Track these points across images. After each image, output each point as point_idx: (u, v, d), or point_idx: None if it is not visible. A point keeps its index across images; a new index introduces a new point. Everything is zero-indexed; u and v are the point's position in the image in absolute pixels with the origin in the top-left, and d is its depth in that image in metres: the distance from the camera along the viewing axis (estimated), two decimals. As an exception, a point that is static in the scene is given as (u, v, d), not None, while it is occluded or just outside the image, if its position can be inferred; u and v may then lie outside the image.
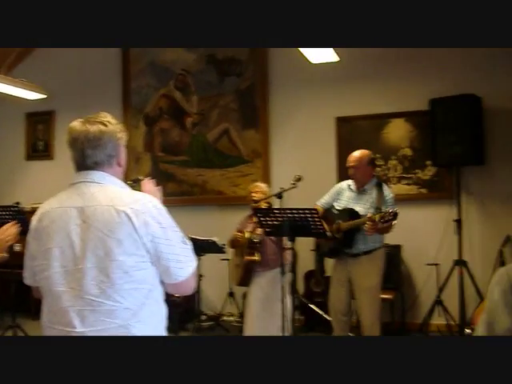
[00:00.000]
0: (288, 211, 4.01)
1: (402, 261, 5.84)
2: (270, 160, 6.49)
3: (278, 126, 6.46)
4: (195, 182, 6.80)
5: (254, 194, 4.72)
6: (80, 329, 1.81)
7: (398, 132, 5.99)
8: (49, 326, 1.90)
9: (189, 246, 1.97)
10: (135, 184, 2.29)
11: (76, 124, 1.95)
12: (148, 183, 2.26)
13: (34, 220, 1.97)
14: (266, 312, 4.52)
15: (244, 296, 4.81)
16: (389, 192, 4.37)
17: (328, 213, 4.50)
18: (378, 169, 5.71)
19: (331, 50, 4.79)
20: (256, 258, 4.54)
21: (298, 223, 4.08)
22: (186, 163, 6.85)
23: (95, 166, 1.94)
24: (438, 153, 5.48)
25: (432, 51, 5.60)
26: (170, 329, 1.99)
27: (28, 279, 2.03)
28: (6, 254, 3.18)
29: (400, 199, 4.85)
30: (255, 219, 4.46)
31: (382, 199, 4.26)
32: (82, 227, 1.85)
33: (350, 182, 4.52)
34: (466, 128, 5.30)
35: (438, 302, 5.43)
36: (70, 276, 1.84)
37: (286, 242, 4.27)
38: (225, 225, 5.21)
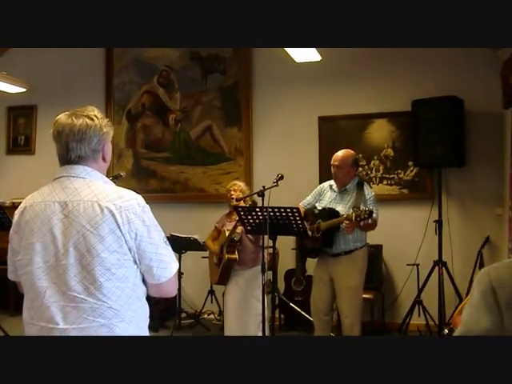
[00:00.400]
0: (270, 209, 4.02)
1: (383, 261, 5.87)
2: (253, 158, 6.48)
3: (261, 124, 6.45)
4: (177, 179, 6.76)
5: (232, 193, 4.71)
6: (63, 325, 1.79)
7: (380, 132, 6.02)
8: (30, 322, 1.87)
9: (169, 246, 1.95)
10: (116, 180, 2.28)
11: (62, 117, 1.92)
12: None
13: (17, 214, 1.94)
14: (243, 310, 4.52)
15: (223, 294, 4.81)
16: (370, 191, 4.38)
17: (310, 213, 4.51)
18: (360, 169, 5.73)
19: (314, 49, 4.80)
20: (235, 256, 4.53)
21: (280, 222, 4.09)
22: (168, 160, 6.80)
23: (79, 160, 1.90)
24: (420, 154, 5.52)
25: (415, 52, 5.62)
26: (150, 326, 1.98)
27: (10, 274, 2.00)
28: None
29: (381, 199, 4.88)
30: (235, 217, 4.45)
31: (363, 199, 4.27)
32: (65, 222, 1.82)
33: (331, 182, 4.54)
34: (447, 129, 5.34)
35: (418, 302, 5.44)
36: (53, 272, 1.82)
37: (267, 241, 4.26)
38: (206, 222, 5.18)
